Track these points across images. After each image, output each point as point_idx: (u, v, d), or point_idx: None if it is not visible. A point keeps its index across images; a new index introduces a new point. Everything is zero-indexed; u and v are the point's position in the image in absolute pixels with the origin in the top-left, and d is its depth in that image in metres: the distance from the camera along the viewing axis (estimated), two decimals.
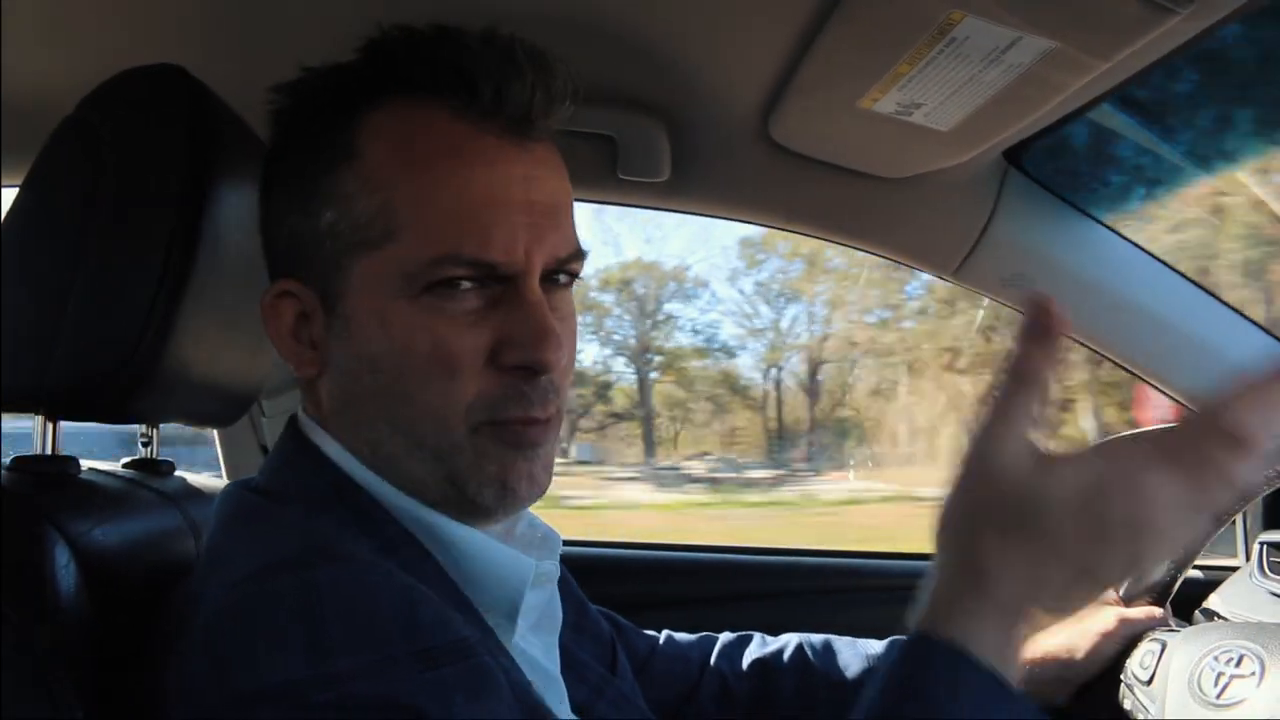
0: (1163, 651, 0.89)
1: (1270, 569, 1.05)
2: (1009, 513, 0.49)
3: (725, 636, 0.96)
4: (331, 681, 0.47)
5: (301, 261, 0.62)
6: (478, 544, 0.62)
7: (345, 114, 0.60)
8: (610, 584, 1.30)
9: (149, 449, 0.83)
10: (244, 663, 0.48)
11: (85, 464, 0.73)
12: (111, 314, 0.66)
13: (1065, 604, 0.50)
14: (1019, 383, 0.50)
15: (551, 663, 0.68)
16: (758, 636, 0.96)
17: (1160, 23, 0.68)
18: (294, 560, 0.52)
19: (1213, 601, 1.08)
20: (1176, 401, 1.15)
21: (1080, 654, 0.96)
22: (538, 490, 0.62)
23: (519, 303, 0.59)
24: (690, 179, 1.09)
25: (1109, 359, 1.16)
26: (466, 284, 0.58)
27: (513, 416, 0.60)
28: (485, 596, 0.61)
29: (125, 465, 0.82)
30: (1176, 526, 0.48)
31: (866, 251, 1.17)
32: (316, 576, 0.51)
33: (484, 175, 0.58)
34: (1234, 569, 1.15)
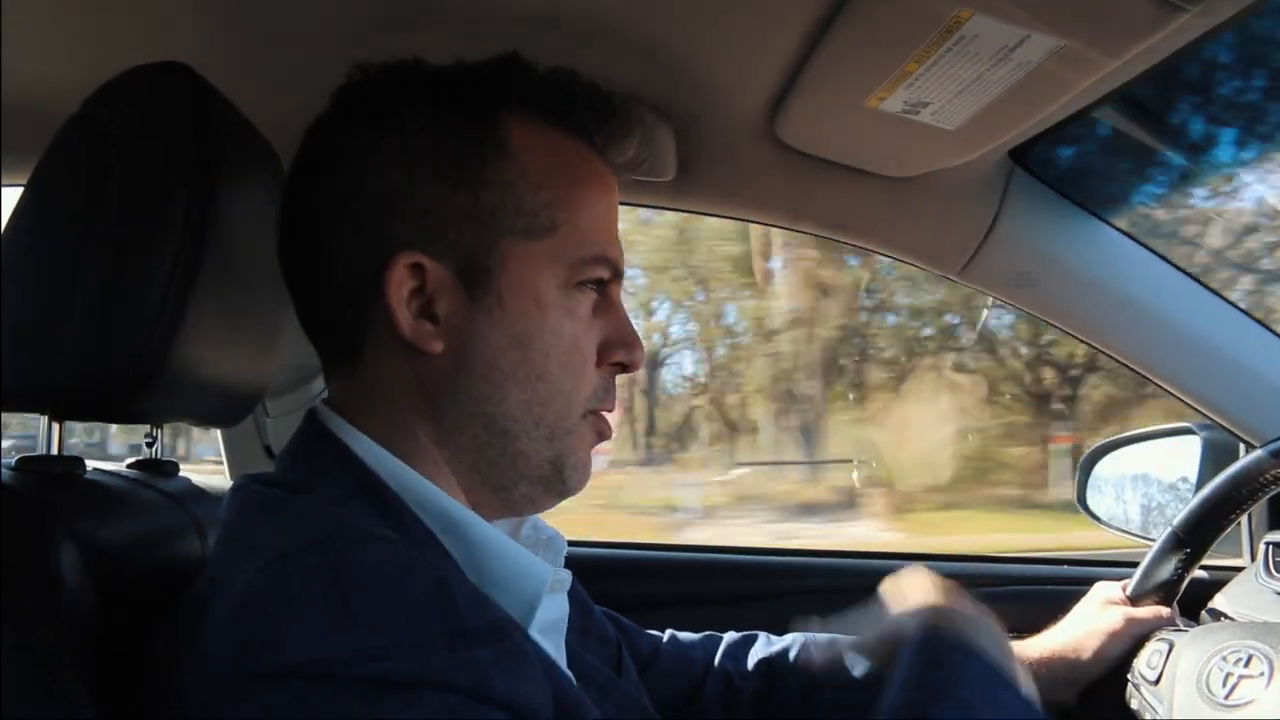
0: (1170, 651, 0.89)
1: (1276, 569, 1.05)
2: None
3: (730, 636, 0.96)
4: (363, 658, 0.47)
5: (435, 235, 0.62)
6: (500, 546, 0.62)
7: (485, 110, 0.64)
8: (612, 584, 1.30)
9: (154, 449, 0.83)
10: (272, 641, 0.48)
11: (90, 464, 0.73)
12: (118, 314, 0.65)
13: None
14: None
15: (561, 664, 0.68)
16: (763, 636, 0.96)
17: (1170, 20, 0.68)
18: (322, 542, 0.52)
19: (1218, 601, 1.08)
20: (1181, 400, 1.15)
21: (1087, 654, 0.96)
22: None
23: (615, 310, 0.68)
24: (696, 178, 1.09)
25: (1114, 358, 1.16)
26: (593, 287, 0.66)
27: (606, 407, 0.68)
28: (503, 599, 0.61)
29: (130, 465, 0.82)
30: None
31: (873, 251, 1.17)
32: (345, 557, 0.51)
33: (610, 198, 0.69)
34: (1239, 569, 1.15)
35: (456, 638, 0.49)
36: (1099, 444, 1.40)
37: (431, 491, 0.62)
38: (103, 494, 0.70)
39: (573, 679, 0.59)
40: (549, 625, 0.68)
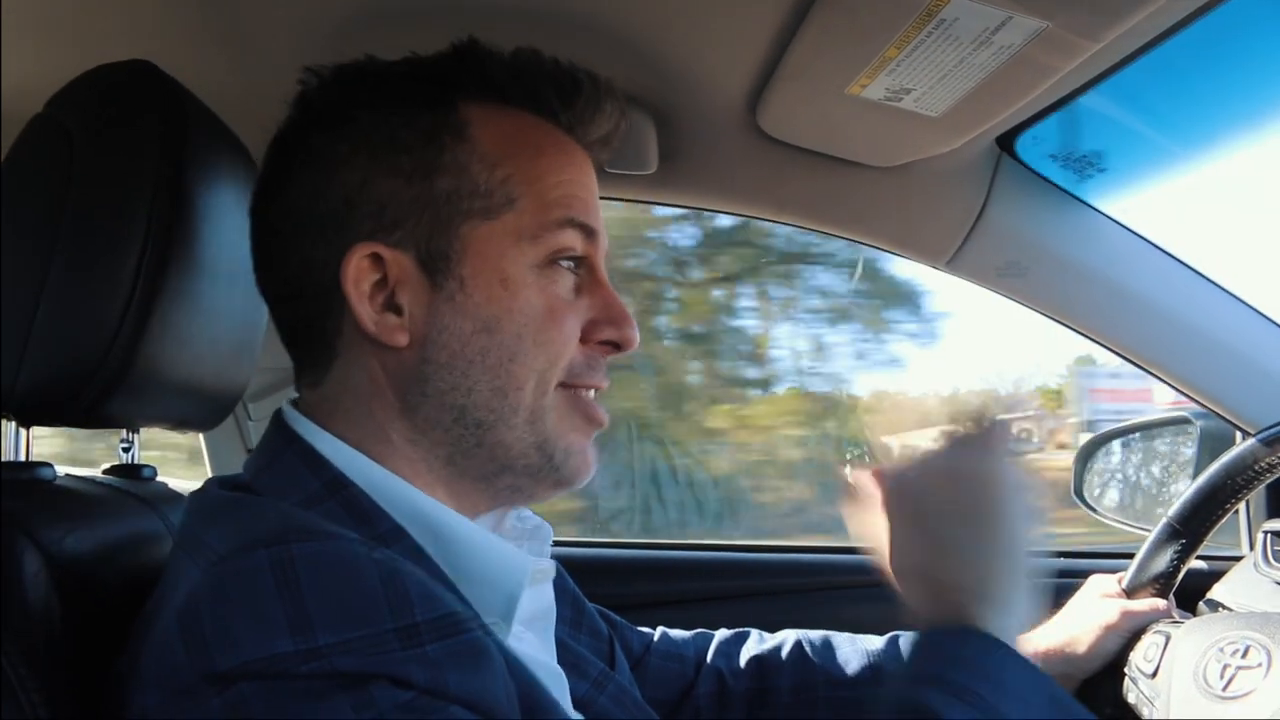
0: (1167, 644, 0.88)
1: (1274, 558, 1.04)
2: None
3: (722, 633, 0.95)
4: (314, 655, 0.46)
5: (393, 226, 0.61)
6: (476, 539, 0.61)
7: (441, 99, 0.64)
8: (606, 583, 1.29)
9: (129, 454, 0.82)
10: (223, 641, 0.47)
11: (61, 470, 0.72)
12: (84, 315, 0.64)
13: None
14: None
15: (549, 657, 0.68)
16: (755, 633, 0.95)
17: (1149, 2, 0.67)
18: (271, 538, 0.51)
19: (1217, 592, 1.07)
20: (1175, 389, 1.14)
21: (1083, 647, 0.95)
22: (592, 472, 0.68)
23: (601, 287, 0.66)
24: (678, 171, 1.08)
25: (1105, 347, 1.14)
26: (570, 264, 0.65)
27: (588, 381, 0.66)
28: (482, 594, 0.60)
29: (105, 471, 0.81)
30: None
31: (858, 242, 1.16)
32: (295, 551, 0.49)
33: (578, 167, 0.67)
34: (1238, 559, 1.14)
35: (408, 633, 0.48)
36: (1095, 434, 1.38)
37: (401, 488, 0.61)
38: (70, 500, 0.68)
39: (542, 683, 0.57)
40: (533, 617, 0.67)
